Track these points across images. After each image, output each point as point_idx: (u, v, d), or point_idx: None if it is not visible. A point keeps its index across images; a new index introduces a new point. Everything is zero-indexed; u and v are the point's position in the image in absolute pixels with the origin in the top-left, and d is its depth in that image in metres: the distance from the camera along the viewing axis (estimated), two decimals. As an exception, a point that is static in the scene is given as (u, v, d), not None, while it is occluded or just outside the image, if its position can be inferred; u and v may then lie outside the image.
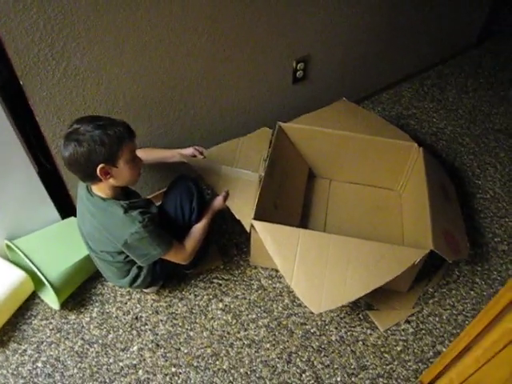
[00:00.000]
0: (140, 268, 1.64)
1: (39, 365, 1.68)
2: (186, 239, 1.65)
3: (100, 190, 1.45)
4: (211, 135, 2.16)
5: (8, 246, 1.80)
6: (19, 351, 1.71)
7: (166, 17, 1.63)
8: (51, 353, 1.71)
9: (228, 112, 2.14)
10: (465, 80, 3.04)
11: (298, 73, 2.24)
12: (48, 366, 1.68)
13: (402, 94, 2.91)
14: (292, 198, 2.10)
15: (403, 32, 2.61)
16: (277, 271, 1.94)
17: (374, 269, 1.61)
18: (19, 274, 1.75)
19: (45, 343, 1.73)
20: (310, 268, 1.63)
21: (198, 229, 1.70)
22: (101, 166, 1.33)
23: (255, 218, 1.70)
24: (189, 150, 1.87)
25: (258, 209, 1.73)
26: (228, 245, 2.04)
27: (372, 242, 1.67)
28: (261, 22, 1.92)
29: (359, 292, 1.59)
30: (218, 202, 1.78)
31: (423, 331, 1.79)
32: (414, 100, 2.88)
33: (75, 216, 1.90)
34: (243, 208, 1.76)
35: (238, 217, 1.74)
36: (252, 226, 1.71)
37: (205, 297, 1.86)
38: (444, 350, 1.74)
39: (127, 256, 1.55)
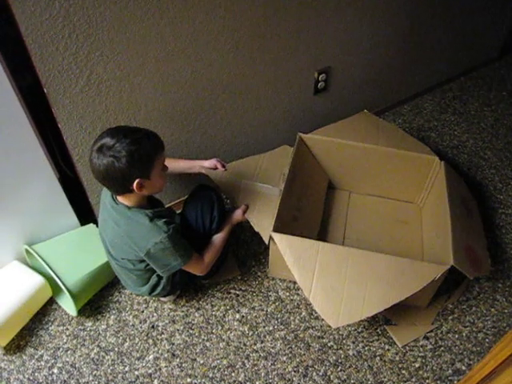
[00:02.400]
0: (160, 277, 1.64)
1: (55, 371, 1.68)
2: (204, 251, 1.65)
3: (126, 198, 1.46)
4: (231, 145, 2.16)
5: (27, 251, 1.81)
6: (36, 356, 1.72)
7: (189, 28, 1.64)
8: (67, 359, 1.71)
9: (249, 122, 2.14)
10: (487, 93, 3.01)
11: (320, 84, 2.23)
12: (64, 372, 1.68)
13: (423, 106, 2.89)
14: (311, 209, 2.09)
15: (425, 44, 2.60)
16: (294, 283, 1.92)
17: (394, 284, 1.59)
18: (37, 280, 1.76)
19: (61, 349, 1.73)
20: (328, 281, 1.61)
21: (217, 241, 1.70)
22: (137, 181, 1.36)
23: (274, 230, 1.69)
24: (211, 162, 1.87)
25: (277, 221, 1.72)
26: (246, 256, 2.03)
27: (392, 257, 1.65)
28: (283, 33, 1.92)
29: (378, 307, 1.56)
30: (237, 214, 1.78)
31: (442, 348, 1.76)
32: (435, 112, 2.85)
33: (94, 223, 1.93)
34: (262, 220, 1.76)
35: (256, 229, 1.74)
36: (271, 238, 1.70)
37: (222, 307, 1.85)
38: (463, 367, 1.70)
39: (148, 264, 1.55)
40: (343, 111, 2.34)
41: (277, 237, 1.68)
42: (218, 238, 1.71)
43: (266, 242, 1.70)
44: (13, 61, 1.39)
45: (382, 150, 2.07)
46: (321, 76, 2.20)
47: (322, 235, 2.04)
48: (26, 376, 1.67)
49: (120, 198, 1.47)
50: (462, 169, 2.47)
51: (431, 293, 1.78)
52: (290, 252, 1.65)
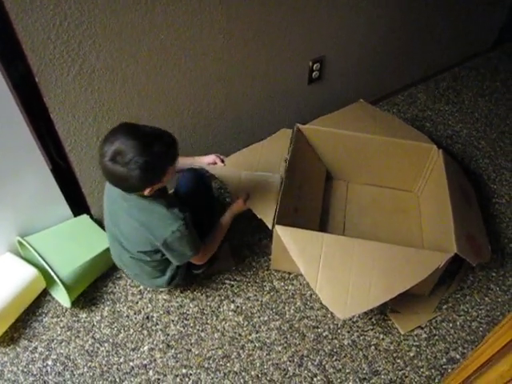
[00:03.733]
0: (178, 266, 1.64)
1: (49, 363, 1.67)
2: (205, 240, 1.64)
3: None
4: (226, 136, 2.15)
5: (20, 243, 1.79)
6: (30, 348, 1.71)
7: (182, 15, 1.62)
8: (61, 351, 1.70)
9: (243, 112, 2.13)
10: (481, 83, 3.00)
11: (314, 73, 2.22)
12: (58, 364, 1.67)
13: (417, 95, 2.88)
14: (311, 200, 2.08)
15: (419, 33, 2.59)
16: (289, 273, 1.92)
17: (399, 273, 1.60)
18: (31, 271, 1.75)
19: (55, 341, 1.73)
20: (334, 273, 1.61)
21: (217, 231, 1.69)
22: (150, 188, 1.36)
23: (277, 223, 1.69)
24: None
25: (279, 213, 1.72)
26: (240, 246, 2.02)
27: (396, 246, 1.65)
28: (278, 22, 1.90)
29: (384, 296, 1.57)
30: (238, 204, 1.76)
31: (436, 337, 1.77)
32: (429, 102, 2.84)
33: (88, 213, 1.92)
34: (265, 208, 1.75)
35: (260, 216, 1.73)
36: (274, 230, 1.70)
37: (216, 298, 1.85)
38: (458, 356, 1.71)
39: (163, 254, 1.54)
40: (338, 101, 2.33)
41: (280, 229, 1.67)
42: (218, 228, 1.70)
43: (270, 227, 1.69)
44: (3, 50, 1.37)
45: (379, 140, 2.07)
46: (315, 65, 2.19)
47: (322, 226, 2.04)
48: (20, 368, 1.66)
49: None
50: (456, 158, 2.47)
51: (434, 281, 1.79)
52: (294, 244, 1.65)
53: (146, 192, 1.36)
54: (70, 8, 1.37)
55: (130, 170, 1.26)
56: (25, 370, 1.66)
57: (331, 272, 1.61)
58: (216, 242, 1.68)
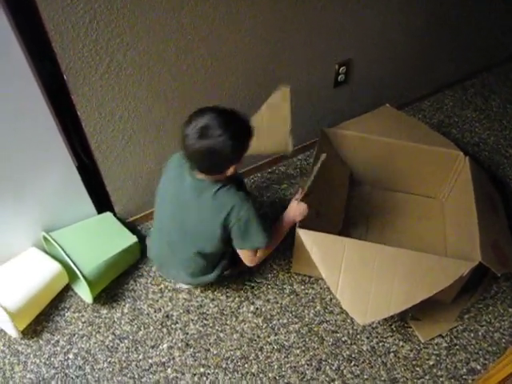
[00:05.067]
0: (227, 258, 1.70)
1: (70, 356, 1.70)
2: None
3: (208, 177, 1.44)
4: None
5: (45, 238, 1.83)
6: (52, 342, 1.73)
7: (209, 18, 1.63)
8: (82, 345, 1.72)
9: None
10: (510, 89, 2.94)
11: (340, 76, 2.20)
12: (79, 358, 1.69)
13: (444, 101, 2.84)
14: (334, 205, 2.08)
15: (448, 38, 2.55)
16: (310, 277, 1.91)
17: (421, 280, 1.58)
18: (55, 267, 1.77)
19: (77, 335, 1.75)
20: (355, 278, 1.60)
21: (275, 236, 1.63)
22: (234, 166, 1.40)
23: (299, 227, 1.68)
24: None
25: None
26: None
27: (419, 253, 1.63)
28: (304, 24, 1.90)
29: (406, 303, 1.55)
30: (291, 207, 1.66)
31: (457, 347, 1.74)
32: (456, 108, 2.80)
33: (111, 211, 1.94)
34: None
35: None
36: (296, 234, 1.69)
37: (236, 299, 1.85)
38: (478, 367, 1.68)
39: (226, 243, 1.55)
40: (363, 105, 2.31)
41: (303, 233, 1.67)
42: (276, 233, 1.64)
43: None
44: (34, 48, 1.40)
45: (405, 145, 2.05)
46: (341, 68, 2.17)
47: (345, 231, 2.02)
48: (43, 360, 1.69)
49: (200, 176, 1.45)
50: (482, 166, 2.43)
51: (457, 289, 1.76)
52: (316, 248, 1.64)
53: (229, 171, 1.40)
54: (100, 6, 1.39)
55: (222, 141, 1.29)
56: (47, 362, 1.68)
57: (352, 277, 1.60)
58: (274, 241, 1.63)
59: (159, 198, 1.61)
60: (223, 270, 1.72)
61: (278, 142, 1.90)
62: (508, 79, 3.02)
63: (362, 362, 1.69)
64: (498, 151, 2.54)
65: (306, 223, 1.70)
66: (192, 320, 1.79)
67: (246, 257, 1.60)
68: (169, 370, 1.66)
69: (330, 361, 1.69)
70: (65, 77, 1.48)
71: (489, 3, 2.56)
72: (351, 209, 2.14)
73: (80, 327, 1.77)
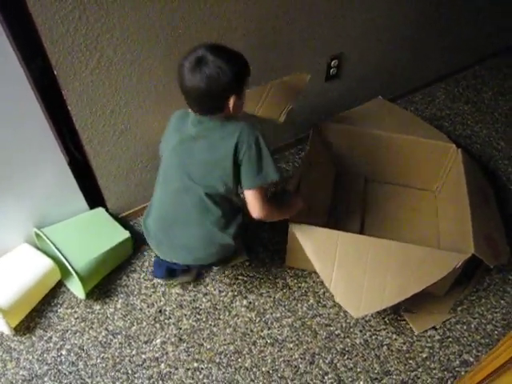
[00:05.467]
0: (242, 215, 1.59)
1: (63, 352, 1.70)
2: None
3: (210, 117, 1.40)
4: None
5: (37, 234, 1.82)
6: (45, 338, 1.73)
7: (199, 12, 1.62)
8: (75, 341, 1.72)
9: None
10: (502, 82, 2.95)
11: (332, 70, 2.20)
12: (72, 354, 1.69)
13: (435, 94, 2.85)
14: (323, 198, 2.08)
15: (439, 31, 2.55)
16: (303, 270, 1.92)
17: (415, 273, 1.59)
18: (47, 263, 1.77)
19: (69, 331, 1.75)
20: (349, 271, 1.61)
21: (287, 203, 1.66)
22: (234, 97, 1.34)
23: (291, 220, 1.69)
24: None
25: None
26: (254, 242, 2.02)
27: (412, 246, 1.64)
28: (296, 17, 1.89)
29: (399, 296, 1.56)
30: (297, 201, 1.70)
31: (450, 339, 1.75)
32: (448, 101, 2.81)
33: (103, 206, 1.93)
34: None
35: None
36: (289, 228, 1.70)
37: (229, 293, 1.85)
38: (471, 359, 1.70)
39: (235, 189, 1.48)
40: (355, 98, 2.30)
41: (296, 227, 1.67)
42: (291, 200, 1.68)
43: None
44: (23, 43, 1.38)
45: (397, 138, 2.05)
46: (333, 62, 2.17)
47: (338, 223, 2.02)
48: (35, 357, 1.68)
49: (203, 118, 1.40)
50: (474, 158, 2.44)
51: (450, 281, 1.77)
52: (309, 242, 1.64)
53: (231, 104, 1.34)
54: (89, 1, 1.38)
55: (219, 66, 1.26)
56: (40, 358, 1.68)
57: (346, 270, 1.61)
58: (286, 209, 1.63)
59: (163, 154, 1.54)
60: (239, 228, 1.57)
61: (274, 111, 1.86)
62: (500, 72, 3.03)
63: (356, 356, 1.70)
64: (490, 144, 2.55)
65: (298, 217, 1.71)
66: (185, 315, 1.79)
67: (257, 202, 1.45)
68: (162, 365, 1.66)
69: (323, 354, 1.70)
70: (55, 72, 1.47)
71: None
72: (345, 202, 2.14)
73: (73, 323, 1.77)
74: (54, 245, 1.71)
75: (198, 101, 1.35)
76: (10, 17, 1.32)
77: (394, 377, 1.65)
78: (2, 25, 1.29)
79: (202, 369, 1.66)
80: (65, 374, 1.65)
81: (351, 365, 1.68)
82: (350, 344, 1.73)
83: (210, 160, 1.41)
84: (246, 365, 1.67)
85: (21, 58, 1.39)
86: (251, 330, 1.75)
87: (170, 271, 1.79)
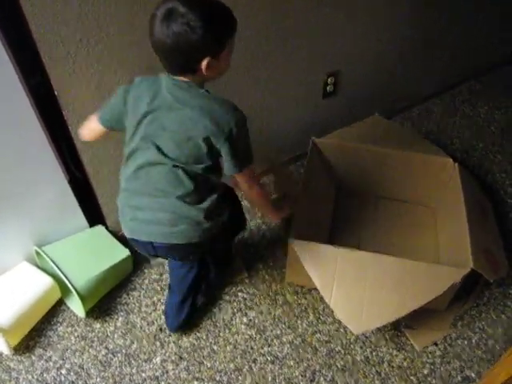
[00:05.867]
0: (217, 198, 1.41)
1: (63, 372, 1.69)
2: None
3: (183, 78, 1.25)
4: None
5: (37, 252, 1.82)
6: (44, 357, 1.72)
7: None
8: (75, 360, 1.72)
9: (255, 125, 2.13)
10: (497, 96, 2.98)
11: (329, 87, 2.23)
12: (72, 373, 1.68)
13: (432, 109, 2.87)
14: (324, 214, 2.09)
15: (435, 47, 2.58)
16: (302, 287, 1.92)
17: (414, 288, 1.59)
18: (47, 281, 1.77)
19: (69, 350, 1.74)
20: (348, 287, 1.61)
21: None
22: (207, 59, 1.17)
23: (291, 237, 1.69)
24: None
25: (294, 227, 1.72)
26: (253, 259, 2.02)
27: (411, 261, 1.64)
28: (292, 36, 1.92)
29: (399, 312, 1.56)
30: (283, 210, 1.69)
31: (451, 354, 1.75)
32: (444, 116, 2.83)
33: (103, 224, 1.94)
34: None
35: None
36: (289, 244, 1.70)
37: (229, 310, 1.85)
38: (473, 375, 1.69)
39: (210, 166, 1.33)
40: (353, 115, 2.32)
41: (295, 243, 1.68)
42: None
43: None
44: (24, 62, 1.40)
45: (394, 153, 2.07)
46: (329, 79, 2.19)
47: (338, 240, 2.03)
48: (35, 376, 1.68)
49: (176, 77, 1.25)
50: (472, 172, 2.45)
51: (450, 296, 1.76)
52: (309, 258, 1.65)
53: (203, 68, 1.18)
54: (90, 24, 1.40)
55: (189, 27, 1.10)
56: (39, 378, 1.67)
57: (346, 286, 1.61)
58: (272, 208, 1.60)
59: (127, 127, 1.35)
60: (211, 207, 1.39)
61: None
62: (495, 86, 3.06)
63: (357, 372, 1.70)
64: (487, 157, 2.56)
65: (299, 233, 1.72)
66: (185, 333, 1.78)
67: (245, 183, 1.41)
68: (163, 384, 1.66)
69: (323, 371, 1.69)
70: (56, 93, 1.48)
71: (474, 12, 2.60)
72: (343, 218, 2.15)
73: (73, 342, 1.76)
74: (54, 263, 1.72)
75: (165, 56, 1.20)
76: (11, 36, 1.33)
77: (396, 393, 1.65)
78: (2, 42, 1.32)
79: (203, 387, 1.65)
80: (65, 393, 1.64)
81: (352, 382, 1.67)
82: (350, 361, 1.72)
83: (184, 136, 1.26)
84: (247, 383, 1.66)
85: (21, 76, 1.41)
86: (251, 348, 1.75)
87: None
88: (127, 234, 1.46)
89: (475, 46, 2.85)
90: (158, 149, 1.29)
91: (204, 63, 1.17)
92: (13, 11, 1.29)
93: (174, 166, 1.30)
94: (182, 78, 1.24)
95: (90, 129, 1.47)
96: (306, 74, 2.11)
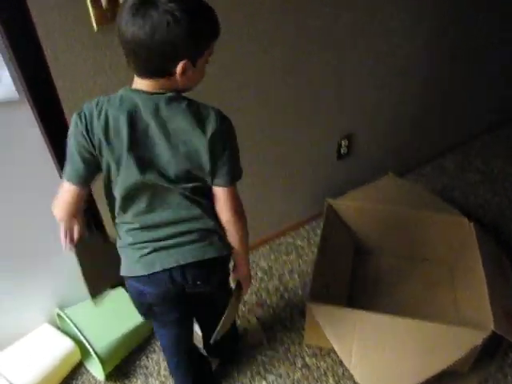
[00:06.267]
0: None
1: None
2: None
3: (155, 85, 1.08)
4: (254, 213, 2.20)
5: (58, 315, 1.85)
6: (64, 421, 1.72)
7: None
8: (95, 425, 1.71)
9: (271, 185, 2.20)
10: (509, 151, 3.01)
11: (343, 149, 2.29)
12: None
13: (445, 165, 2.90)
14: (342, 276, 2.10)
15: (449, 104, 2.65)
16: (321, 349, 1.91)
17: (434, 352, 1.58)
18: (68, 344, 1.79)
19: (89, 415, 1.74)
20: (368, 351, 1.60)
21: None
22: (185, 61, 1.02)
23: (310, 300, 1.71)
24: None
25: (312, 290, 1.74)
26: (272, 321, 2.02)
27: (431, 324, 1.63)
28: (304, 101, 2.01)
29: (421, 376, 1.54)
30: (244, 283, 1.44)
31: (476, 419, 1.71)
32: (458, 172, 2.86)
33: (123, 287, 1.96)
34: None
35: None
36: (307, 307, 1.71)
37: (248, 373, 1.84)
38: None
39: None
40: (367, 175, 2.36)
41: (314, 306, 1.69)
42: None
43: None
44: (42, 101, 1.44)
45: (410, 213, 2.10)
46: (343, 142, 2.26)
47: (356, 301, 2.02)
48: None
49: (147, 84, 1.07)
50: (488, 229, 2.45)
51: (472, 358, 1.74)
52: (328, 321, 1.66)
53: (178, 72, 1.03)
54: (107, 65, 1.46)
55: (172, 17, 0.94)
56: None
57: (365, 350, 1.61)
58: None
59: (103, 161, 1.12)
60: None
61: None
62: (508, 140, 3.08)
63: None
64: (503, 213, 2.57)
65: (317, 296, 1.73)
66: (204, 397, 1.78)
67: (235, 195, 1.23)
68: None
69: None
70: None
71: (485, 69, 2.68)
72: (359, 278, 2.16)
73: (92, 406, 1.77)
74: (75, 325, 1.74)
75: (135, 53, 1.02)
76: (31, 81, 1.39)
77: None
78: (26, 96, 1.39)
79: None
80: None
81: None
82: (371, 426, 1.69)
83: (183, 151, 1.11)
84: None
85: (44, 131, 1.47)
86: (271, 413, 1.73)
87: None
88: (144, 271, 1.25)
89: (488, 101, 2.90)
90: (162, 175, 1.14)
91: (180, 66, 1.02)
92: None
93: (183, 189, 1.18)
94: (153, 85, 1.07)
95: (64, 202, 1.21)
96: (320, 137, 2.18)
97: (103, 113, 1.07)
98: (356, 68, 2.09)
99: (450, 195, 2.67)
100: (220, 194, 1.20)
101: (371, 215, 2.13)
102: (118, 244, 1.32)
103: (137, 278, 1.28)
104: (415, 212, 2.09)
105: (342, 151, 2.29)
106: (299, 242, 2.38)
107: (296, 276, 2.20)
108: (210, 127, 1.09)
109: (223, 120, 1.12)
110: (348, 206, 2.13)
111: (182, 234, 1.23)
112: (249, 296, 2.10)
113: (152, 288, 1.30)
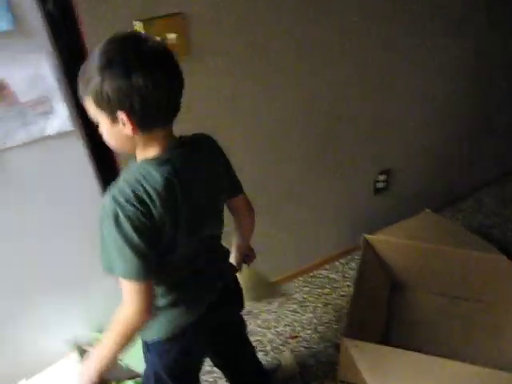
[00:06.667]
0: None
1: None
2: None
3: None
4: (291, 248, 2.25)
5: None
6: None
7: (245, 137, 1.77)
8: None
9: (307, 218, 2.21)
10: (550, 186, 2.95)
11: (380, 184, 2.30)
12: None
13: (483, 200, 2.87)
14: (377, 311, 2.09)
15: (482, 138, 2.65)
16: (355, 385, 1.88)
17: None
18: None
19: None
20: None
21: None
22: (124, 113, 0.94)
23: (345, 335, 1.70)
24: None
25: (347, 325, 1.74)
26: (305, 353, 2.02)
27: (471, 366, 1.59)
28: (345, 135, 2.04)
29: None
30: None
31: None
32: (495, 207, 2.81)
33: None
34: None
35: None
36: (343, 342, 1.71)
37: (281, 408, 1.83)
38: None
39: None
40: (403, 209, 2.36)
41: (349, 342, 1.68)
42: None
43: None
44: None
45: (447, 250, 2.09)
46: (381, 177, 2.27)
47: (390, 338, 2.00)
48: None
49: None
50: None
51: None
52: (363, 359, 1.65)
53: (121, 121, 0.93)
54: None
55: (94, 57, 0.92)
56: None
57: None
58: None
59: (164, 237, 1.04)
60: None
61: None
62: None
63: None
64: (542, 251, 2.51)
65: (352, 332, 1.72)
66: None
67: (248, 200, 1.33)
68: None
69: None
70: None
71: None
72: (395, 314, 2.13)
73: (126, 434, 1.77)
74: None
75: (169, 100, 0.97)
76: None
77: None
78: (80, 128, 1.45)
79: None
80: None
81: None
82: None
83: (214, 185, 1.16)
84: None
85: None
86: None
87: None
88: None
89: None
90: (208, 227, 1.16)
91: (122, 116, 0.94)
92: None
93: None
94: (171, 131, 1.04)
95: (148, 304, 1.07)
96: (358, 171, 2.21)
97: (156, 189, 0.99)
98: (397, 108, 2.13)
99: (488, 232, 2.63)
100: (240, 201, 1.30)
101: (408, 251, 2.12)
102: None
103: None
104: (452, 249, 2.08)
105: (379, 186, 2.30)
106: (333, 276, 2.38)
107: (330, 309, 2.19)
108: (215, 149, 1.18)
109: (215, 140, 1.19)
110: (385, 241, 2.14)
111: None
112: (282, 328, 2.10)
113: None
